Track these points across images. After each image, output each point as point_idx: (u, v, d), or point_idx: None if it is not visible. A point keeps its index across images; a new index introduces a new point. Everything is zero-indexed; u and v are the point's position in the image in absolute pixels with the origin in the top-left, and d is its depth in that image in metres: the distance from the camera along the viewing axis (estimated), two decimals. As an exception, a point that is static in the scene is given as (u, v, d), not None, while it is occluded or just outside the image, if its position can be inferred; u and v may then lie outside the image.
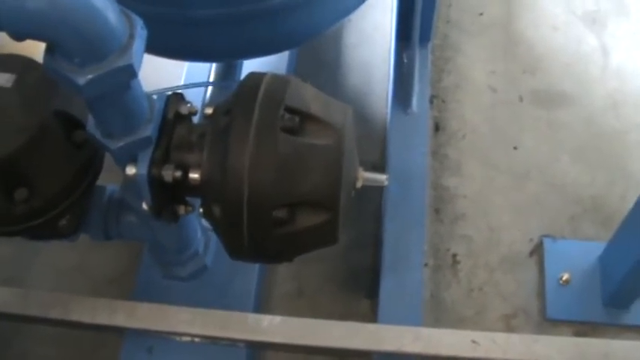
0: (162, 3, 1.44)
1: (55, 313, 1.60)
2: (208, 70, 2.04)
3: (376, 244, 2.06)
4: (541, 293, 2.02)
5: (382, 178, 1.20)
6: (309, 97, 1.11)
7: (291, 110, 1.07)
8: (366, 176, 1.17)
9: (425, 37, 2.28)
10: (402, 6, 2.21)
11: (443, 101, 2.41)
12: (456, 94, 2.44)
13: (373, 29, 2.60)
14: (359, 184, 1.17)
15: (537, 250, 2.10)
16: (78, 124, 1.21)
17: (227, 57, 1.82)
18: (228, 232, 1.11)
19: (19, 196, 1.17)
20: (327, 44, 2.56)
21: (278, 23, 1.55)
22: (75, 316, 1.60)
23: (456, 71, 2.50)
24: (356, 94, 2.43)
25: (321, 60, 2.52)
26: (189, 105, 1.17)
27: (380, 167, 2.20)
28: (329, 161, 1.07)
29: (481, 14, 2.66)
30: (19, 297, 1.64)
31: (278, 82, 1.11)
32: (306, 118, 1.08)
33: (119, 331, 1.63)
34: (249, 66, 2.02)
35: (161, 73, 1.93)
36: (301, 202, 1.07)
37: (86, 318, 1.60)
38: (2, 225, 1.22)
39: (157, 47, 1.56)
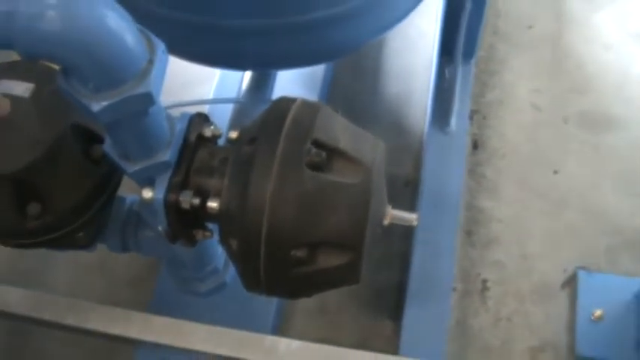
0: (200, 11, 1.38)
1: (68, 320, 1.56)
2: (239, 84, 1.97)
3: (403, 264, 1.99)
4: (572, 328, 1.94)
5: (411, 217, 1.12)
6: (338, 129, 1.04)
7: (319, 144, 1.00)
8: (395, 214, 1.11)
9: (469, 53, 2.20)
10: (447, 19, 2.12)
11: (484, 117, 2.33)
12: (499, 111, 2.36)
13: (418, 35, 2.51)
14: (386, 222, 1.10)
15: (571, 282, 2.02)
16: (96, 139, 1.15)
17: (262, 67, 1.76)
18: (245, 266, 1.05)
19: (31, 211, 1.12)
20: (368, 47, 2.48)
21: (319, 36, 1.49)
22: (89, 325, 1.56)
23: (501, 86, 2.41)
24: (395, 103, 2.36)
25: (361, 64, 2.45)
26: (212, 127, 1.11)
27: (413, 182, 2.13)
28: (355, 201, 1.01)
29: (530, 27, 2.58)
30: (34, 300, 1.60)
31: (307, 112, 1.04)
32: (333, 153, 1.01)
33: (133, 343, 1.58)
34: (284, 74, 1.96)
35: (187, 89, 1.88)
36: (323, 243, 1.01)
37: (100, 327, 1.56)
38: (14, 238, 1.17)
39: (191, 54, 1.51)
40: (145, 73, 0.88)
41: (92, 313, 1.57)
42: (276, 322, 1.82)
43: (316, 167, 0.99)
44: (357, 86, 2.39)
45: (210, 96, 2.10)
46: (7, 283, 1.67)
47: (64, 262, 2.05)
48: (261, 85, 1.93)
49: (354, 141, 1.04)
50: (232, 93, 1.97)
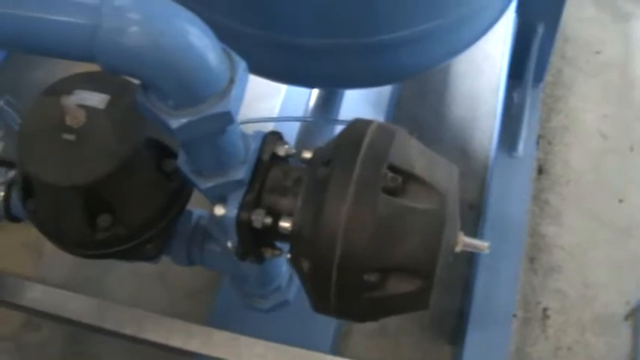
0: (273, 29, 1.37)
1: (129, 330, 1.56)
2: (306, 101, 1.94)
3: (465, 288, 1.95)
4: (633, 361, 1.88)
5: (483, 245, 1.09)
6: (414, 154, 1.01)
7: (395, 169, 0.97)
8: (467, 242, 1.07)
9: (538, 77, 2.16)
10: (517, 43, 2.07)
11: (549, 143, 2.28)
12: (564, 137, 2.30)
13: (483, 59, 2.47)
14: (458, 249, 1.07)
15: (634, 314, 1.95)
16: (169, 153, 1.13)
17: (331, 85, 1.74)
18: (315, 288, 1.03)
19: (102, 222, 1.11)
20: (434, 69, 2.44)
21: (388, 58, 1.47)
22: (149, 336, 1.56)
23: (567, 112, 2.36)
24: (460, 128, 2.32)
25: (427, 87, 2.41)
26: (287, 146, 1.08)
27: (477, 206, 2.09)
28: (429, 227, 0.98)
29: (598, 52, 2.52)
30: (95, 308, 1.60)
31: (383, 136, 1.01)
32: (409, 178, 0.98)
33: (192, 355, 1.56)
34: (351, 93, 1.94)
35: (253, 108, 1.87)
36: (395, 268, 0.98)
37: (161, 339, 1.55)
38: (83, 248, 1.16)
39: (260, 69, 1.49)
40: (225, 92, 0.87)
41: (152, 324, 1.56)
42: (334, 341, 1.80)
43: (392, 192, 0.96)
44: (422, 108, 2.36)
45: (276, 112, 2.09)
46: (69, 289, 1.67)
47: (123, 272, 2.04)
48: (328, 103, 1.91)
49: (429, 166, 1.02)
50: (298, 110, 1.95)
